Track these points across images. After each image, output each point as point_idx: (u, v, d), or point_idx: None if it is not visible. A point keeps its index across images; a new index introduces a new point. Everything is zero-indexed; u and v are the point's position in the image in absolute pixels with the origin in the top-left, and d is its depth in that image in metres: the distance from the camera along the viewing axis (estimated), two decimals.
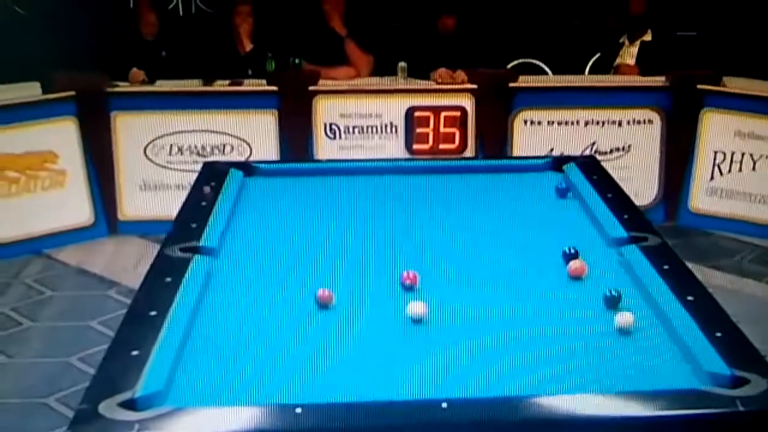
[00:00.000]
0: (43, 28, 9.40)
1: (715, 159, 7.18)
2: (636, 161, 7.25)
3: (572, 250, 3.64)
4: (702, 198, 7.26)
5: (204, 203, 4.30)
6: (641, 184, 7.24)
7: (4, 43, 8.70)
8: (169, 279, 3.40)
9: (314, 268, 3.64)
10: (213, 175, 4.74)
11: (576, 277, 3.52)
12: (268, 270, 3.66)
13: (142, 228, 6.97)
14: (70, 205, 7.00)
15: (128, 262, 6.24)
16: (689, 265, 6.14)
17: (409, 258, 3.69)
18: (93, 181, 7.08)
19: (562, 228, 4.10)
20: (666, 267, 3.45)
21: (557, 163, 4.95)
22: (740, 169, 7.11)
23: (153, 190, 7.07)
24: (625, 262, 3.58)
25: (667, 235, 6.63)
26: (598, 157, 6.94)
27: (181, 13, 10.20)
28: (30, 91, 6.99)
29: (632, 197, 6.62)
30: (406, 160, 5.85)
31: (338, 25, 7.59)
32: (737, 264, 6.62)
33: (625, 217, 4.03)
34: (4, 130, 6.70)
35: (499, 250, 3.84)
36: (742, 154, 7.09)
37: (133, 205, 7.12)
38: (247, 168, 4.90)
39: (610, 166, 6.92)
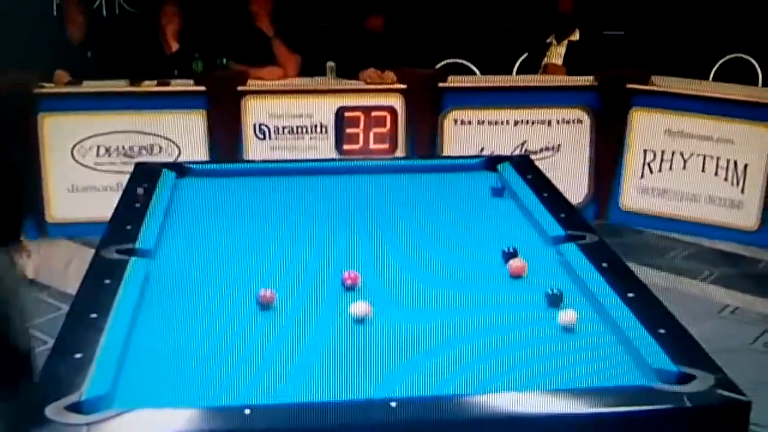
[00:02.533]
0: None
1: (645, 157, 7.27)
2: (566, 160, 7.32)
3: (511, 249, 3.67)
4: (632, 196, 7.34)
5: (138, 204, 4.25)
6: (572, 182, 7.25)
7: None
8: (107, 281, 3.37)
9: (252, 268, 3.62)
10: (145, 175, 4.69)
11: (516, 276, 3.54)
12: (207, 271, 3.63)
13: (72, 230, 6.85)
14: None
15: (58, 265, 6.13)
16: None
17: (346, 258, 3.69)
18: None
19: (499, 227, 4.13)
20: (605, 264, 3.49)
21: (491, 162, 4.98)
22: (670, 168, 7.21)
23: (81, 192, 6.96)
24: (565, 260, 3.61)
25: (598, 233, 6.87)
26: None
27: (104, 13, 10.11)
28: None
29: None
30: (337, 160, 5.84)
31: (265, 24, 7.54)
32: (670, 262, 6.70)
33: (562, 215, 4.06)
34: None
35: (438, 249, 3.84)
36: (672, 153, 7.18)
37: (61, 207, 7.00)
38: (180, 168, 4.86)
39: (541, 165, 6.97)
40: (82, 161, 7.02)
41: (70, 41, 7.48)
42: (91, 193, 6.98)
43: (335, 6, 8.93)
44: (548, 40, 8.01)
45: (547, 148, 7.31)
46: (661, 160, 7.21)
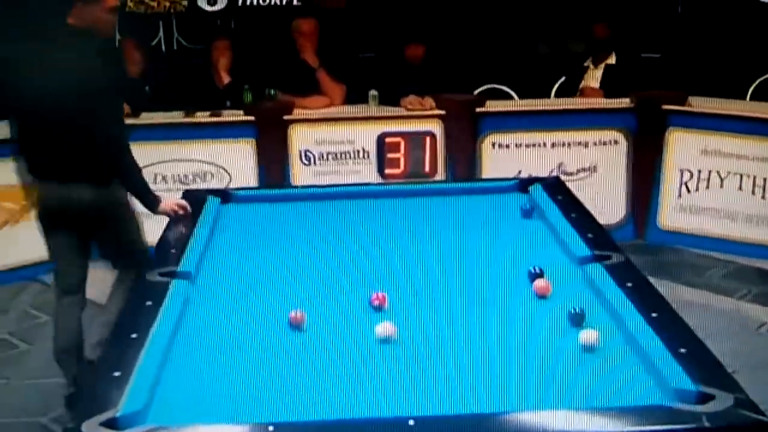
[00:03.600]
0: None
1: (682, 177, 7.14)
2: (603, 181, 7.22)
3: (537, 270, 3.62)
4: (670, 215, 7.21)
5: (183, 230, 4.26)
6: (609, 202, 7.20)
7: None
8: (149, 303, 3.38)
9: (287, 290, 3.61)
10: (192, 202, 4.69)
11: (541, 296, 3.49)
12: (243, 293, 3.63)
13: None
14: None
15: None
16: (659, 281, 6.15)
17: (378, 279, 3.67)
18: None
19: (527, 248, 4.08)
20: (629, 284, 3.42)
21: (523, 184, 4.94)
22: (707, 186, 7.07)
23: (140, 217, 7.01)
24: (590, 280, 3.54)
25: (636, 252, 6.78)
26: (566, 178, 6.97)
27: (163, 49, 10.23)
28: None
29: (600, 216, 6.66)
30: (377, 184, 5.83)
31: (310, 56, 7.56)
32: (708, 280, 6.55)
33: (589, 236, 4.00)
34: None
35: (466, 269, 3.81)
36: (709, 172, 7.05)
37: None
38: (224, 195, 4.87)
39: (578, 186, 6.98)
40: None
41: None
42: (148, 218, 6.98)
43: (377, 37, 8.97)
44: (585, 64, 7.95)
45: (584, 169, 7.23)
46: (698, 179, 7.07)
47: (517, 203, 4.63)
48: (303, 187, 6.09)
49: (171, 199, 4.71)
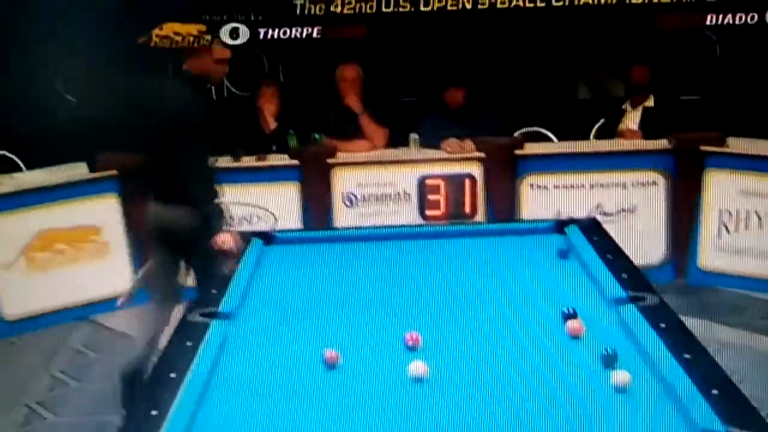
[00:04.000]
0: (89, 113, 9.61)
1: (721, 217, 7.02)
2: (642, 222, 7.13)
3: (570, 311, 3.58)
4: (710, 255, 7.08)
5: (225, 271, 4.28)
6: (649, 243, 7.11)
7: (56, 127, 8.88)
8: (189, 343, 3.41)
9: (324, 329, 3.61)
10: None
11: (574, 337, 3.45)
12: (281, 332, 3.65)
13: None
14: (114, 274, 6.99)
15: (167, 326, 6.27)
16: (698, 321, 6.13)
17: (414, 319, 3.66)
18: (134, 252, 7.08)
19: (562, 288, 4.04)
20: (663, 325, 3.38)
21: (560, 225, 4.90)
22: (746, 227, 6.95)
23: None
24: (623, 321, 3.50)
25: (676, 293, 6.72)
26: (605, 219, 6.94)
27: (214, 97, 10.36)
28: (77, 170, 7.13)
29: (640, 257, 6.63)
30: (415, 226, 5.83)
31: (353, 102, 7.60)
32: (747, 320, 6.42)
33: (624, 276, 3.96)
34: (55, 207, 6.79)
35: (500, 310, 3.79)
36: (747, 212, 6.93)
37: None
38: (267, 237, 4.88)
39: (617, 226, 6.93)
40: None
41: None
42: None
43: (419, 81, 9.01)
44: (623, 106, 7.92)
45: (623, 210, 7.16)
46: (737, 220, 6.96)
47: (554, 244, 4.59)
48: (344, 228, 6.09)
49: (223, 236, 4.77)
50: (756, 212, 6.93)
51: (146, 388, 3.06)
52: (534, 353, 3.34)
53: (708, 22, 8.64)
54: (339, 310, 3.87)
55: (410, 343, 3.39)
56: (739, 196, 6.98)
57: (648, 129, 7.54)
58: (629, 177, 7.14)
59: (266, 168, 7.27)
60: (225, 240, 4.62)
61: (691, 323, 5.99)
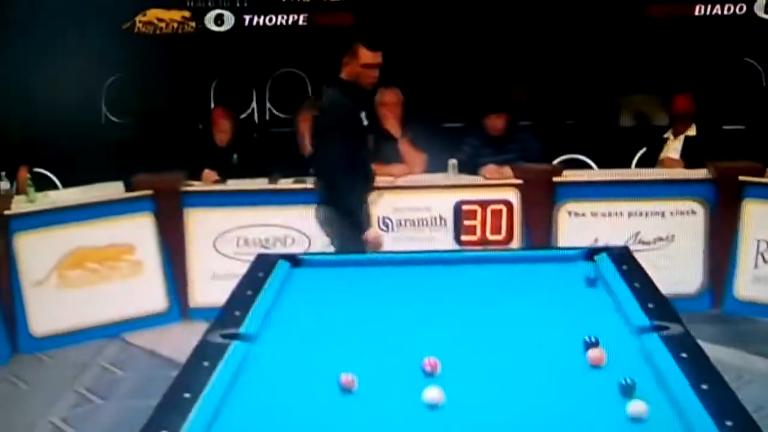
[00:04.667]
0: (130, 135, 9.77)
1: (758, 247, 6.94)
2: (680, 251, 7.07)
3: (592, 339, 3.52)
4: (747, 285, 7.00)
5: (250, 292, 4.27)
6: (686, 272, 7.05)
7: (97, 148, 9.01)
8: (206, 363, 3.37)
9: (344, 353, 3.58)
10: (263, 265, 4.72)
11: (595, 365, 3.39)
12: (300, 355, 3.61)
13: (211, 314, 6.83)
14: (146, 293, 7.10)
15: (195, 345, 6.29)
16: (733, 351, 6.04)
17: (435, 344, 3.60)
18: (167, 271, 7.17)
19: (587, 317, 3.97)
20: (684, 355, 3.30)
21: (590, 253, 4.83)
22: None
23: (221, 279, 7.04)
24: (645, 350, 3.44)
25: (712, 322, 6.67)
26: (643, 247, 6.89)
27: (256, 120, 10.45)
28: (114, 190, 7.20)
29: (678, 286, 6.60)
30: (444, 251, 5.79)
31: (393, 126, 7.59)
32: None
33: (650, 306, 3.88)
34: (89, 226, 6.86)
35: (523, 337, 3.74)
36: None
37: (202, 292, 7.13)
38: (294, 259, 4.86)
39: (655, 255, 6.88)
40: (223, 251, 7.16)
41: (217, 144, 7.71)
42: (230, 280, 6.95)
43: (460, 108, 9.01)
44: (665, 135, 7.86)
45: (660, 239, 7.08)
46: None
47: (583, 272, 4.52)
48: (373, 252, 6.04)
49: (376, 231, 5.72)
50: None
51: (158, 408, 3.03)
52: (552, 382, 3.28)
53: (696, 13, 8.59)
54: (360, 334, 3.83)
55: (428, 368, 3.34)
56: None
57: (689, 158, 7.47)
58: (668, 206, 7.08)
59: (302, 191, 7.27)
60: (375, 235, 5.58)
61: (726, 353, 6.01)
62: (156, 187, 7.12)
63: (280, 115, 10.34)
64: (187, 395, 3.09)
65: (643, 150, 8.01)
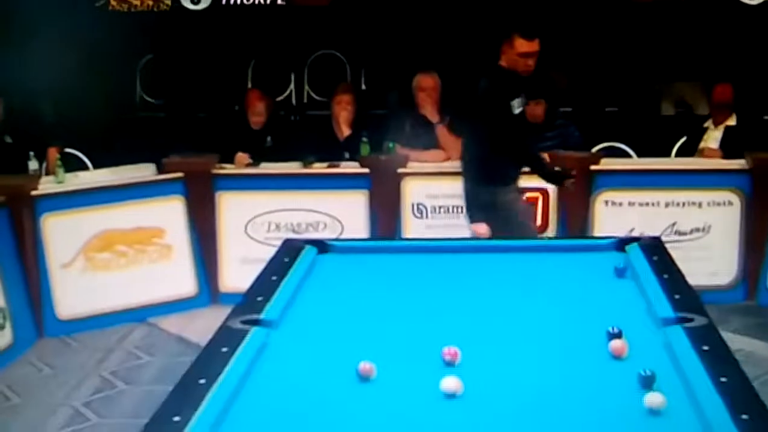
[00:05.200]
0: (165, 116, 9.81)
1: None
2: (716, 242, 7.02)
3: (615, 330, 3.50)
4: None
5: (274, 277, 4.29)
6: (721, 263, 7.01)
7: (131, 129, 9.07)
8: (225, 349, 3.38)
9: (364, 341, 3.58)
10: (290, 251, 4.74)
11: (617, 356, 3.38)
12: (321, 343, 3.62)
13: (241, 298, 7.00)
14: (175, 277, 7.13)
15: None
16: (764, 343, 5.98)
17: (457, 333, 3.60)
18: (197, 255, 7.20)
19: (613, 307, 3.95)
20: (705, 348, 3.28)
21: (621, 243, 4.81)
22: None
23: (251, 264, 7.01)
24: (667, 342, 3.42)
25: (746, 314, 6.62)
26: (679, 238, 6.85)
27: (294, 102, 10.45)
28: (145, 171, 7.23)
29: (713, 277, 6.56)
30: (473, 239, 5.79)
31: (430, 112, 7.58)
32: None
33: (676, 297, 3.86)
34: (118, 208, 6.88)
35: (547, 328, 3.73)
36: None
37: (232, 277, 7.15)
38: (322, 245, 4.87)
39: (690, 246, 6.84)
40: (254, 236, 7.20)
41: (252, 127, 7.75)
42: (260, 265, 7.01)
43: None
44: (705, 125, 7.79)
45: (697, 230, 7.03)
46: None
47: (613, 262, 4.51)
48: (403, 239, 6.07)
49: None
50: None
51: (172, 394, 3.06)
52: (573, 373, 3.27)
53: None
54: (383, 321, 3.84)
55: (447, 358, 3.34)
56: None
57: (728, 148, 7.40)
58: (705, 196, 7.04)
59: (335, 175, 7.30)
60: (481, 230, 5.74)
61: (759, 345, 5.96)
62: (187, 170, 7.14)
63: (318, 98, 10.33)
64: (202, 381, 3.10)
65: (684, 139, 7.94)
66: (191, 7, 8.56)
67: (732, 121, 7.64)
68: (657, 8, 9.25)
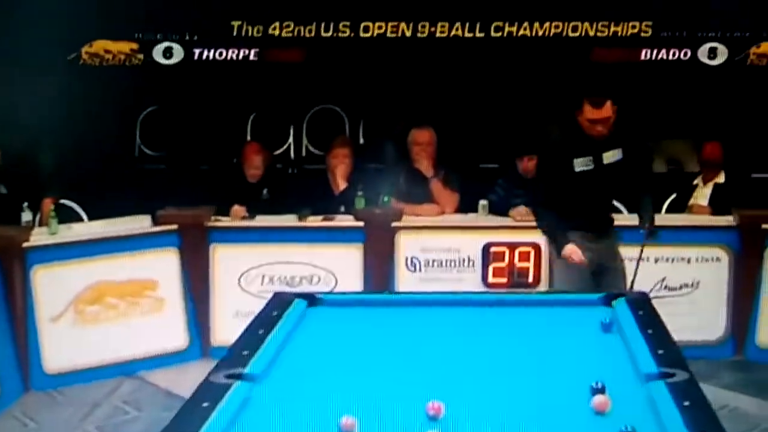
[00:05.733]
0: (163, 168, 9.82)
1: None
2: (705, 297, 7.05)
3: (599, 385, 3.47)
4: None
5: (261, 331, 4.25)
6: (710, 319, 7.02)
7: (129, 181, 9.07)
8: (206, 404, 3.32)
9: (350, 395, 3.54)
10: (279, 304, 4.71)
11: (599, 412, 3.35)
12: (305, 397, 3.56)
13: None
14: (167, 330, 7.09)
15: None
16: (751, 399, 5.96)
17: (443, 388, 3.56)
18: (189, 308, 7.17)
19: (598, 362, 3.92)
20: (686, 403, 3.24)
21: (608, 298, 4.79)
22: None
23: (244, 317, 6.97)
24: (649, 397, 3.39)
25: (734, 369, 6.61)
26: (668, 293, 6.83)
27: (292, 156, 10.47)
28: (140, 223, 7.21)
29: (701, 332, 6.55)
30: (462, 293, 5.77)
31: (425, 166, 7.61)
32: None
33: (660, 352, 3.83)
34: (110, 260, 6.86)
35: (531, 381, 3.69)
36: None
37: (225, 330, 7.07)
38: (312, 298, 4.84)
39: (680, 301, 6.83)
40: (247, 289, 7.18)
41: (248, 180, 7.76)
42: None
43: (494, 149, 8.98)
44: (695, 182, 7.82)
45: (685, 285, 7.02)
46: None
47: (599, 317, 4.48)
48: (393, 293, 6.05)
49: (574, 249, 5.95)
50: None
51: None
52: (555, 428, 3.24)
53: (642, 57, 8.59)
54: (370, 375, 3.80)
55: (431, 412, 3.31)
56: None
57: (717, 205, 7.44)
58: (694, 252, 7.05)
59: (330, 228, 7.30)
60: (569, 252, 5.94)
61: (745, 401, 5.94)
62: (181, 222, 7.14)
63: (316, 151, 10.34)
64: None
65: (674, 196, 7.96)
66: (163, 62, 8.60)
67: (721, 179, 7.68)
68: (649, 68, 9.32)
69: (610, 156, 6.07)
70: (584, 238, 6.08)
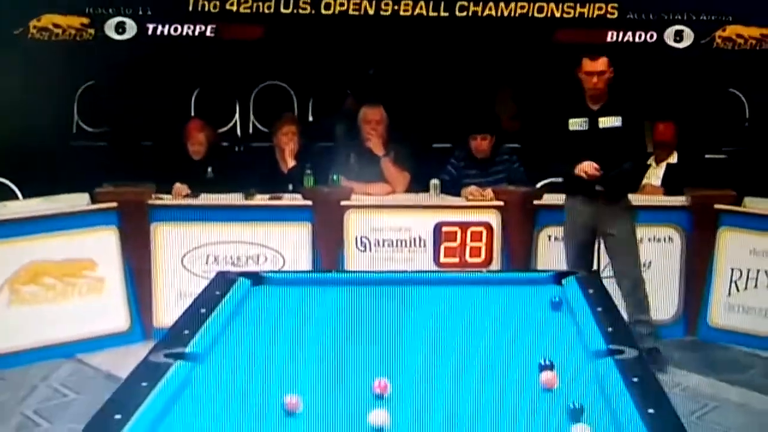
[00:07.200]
0: (102, 145, 9.68)
1: (732, 275, 7.04)
2: (657, 277, 7.08)
3: (547, 362, 3.51)
4: (720, 313, 7.10)
5: (203, 310, 4.22)
6: (662, 299, 7.06)
7: (64, 157, 8.92)
8: (144, 384, 3.29)
9: (293, 375, 3.54)
10: (222, 283, 4.68)
11: (547, 389, 3.38)
12: (247, 376, 3.56)
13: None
14: (107, 311, 6.96)
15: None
16: (703, 378, 6.08)
17: (389, 366, 3.58)
18: (130, 289, 7.07)
19: (547, 339, 3.95)
20: (635, 380, 3.29)
21: (558, 277, 4.82)
22: (756, 286, 6.97)
23: (188, 298, 6.95)
24: (598, 374, 3.43)
25: (686, 349, 6.74)
26: None
27: (239, 133, 10.40)
28: (78, 201, 7.07)
29: (653, 312, 6.61)
30: (409, 271, 5.77)
31: (376, 145, 7.60)
32: (750, 378, 6.39)
33: (609, 330, 3.87)
34: (46, 239, 6.72)
35: (478, 360, 3.71)
36: (758, 271, 6.95)
37: (168, 312, 6.95)
38: (256, 277, 4.82)
39: None
40: (191, 269, 7.12)
41: (192, 157, 7.68)
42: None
43: (446, 128, 8.99)
44: (648, 162, 7.87)
45: None
46: (747, 279, 6.96)
47: (549, 295, 4.52)
48: (338, 272, 6.04)
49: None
50: (765, 272, 6.96)
51: (85, 430, 2.98)
52: (503, 405, 3.25)
53: (609, 39, 8.72)
54: (315, 354, 3.79)
55: (378, 390, 3.33)
56: (750, 255, 7.01)
57: (670, 185, 7.51)
58: (646, 232, 7.08)
59: (277, 207, 7.26)
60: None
61: (697, 380, 6.05)
62: (121, 200, 7.02)
63: (263, 129, 10.28)
64: (118, 416, 3.01)
65: None
66: (116, 37, 8.47)
67: (673, 159, 7.75)
68: (603, 50, 9.37)
69: (607, 122, 6.31)
70: (581, 201, 6.50)
